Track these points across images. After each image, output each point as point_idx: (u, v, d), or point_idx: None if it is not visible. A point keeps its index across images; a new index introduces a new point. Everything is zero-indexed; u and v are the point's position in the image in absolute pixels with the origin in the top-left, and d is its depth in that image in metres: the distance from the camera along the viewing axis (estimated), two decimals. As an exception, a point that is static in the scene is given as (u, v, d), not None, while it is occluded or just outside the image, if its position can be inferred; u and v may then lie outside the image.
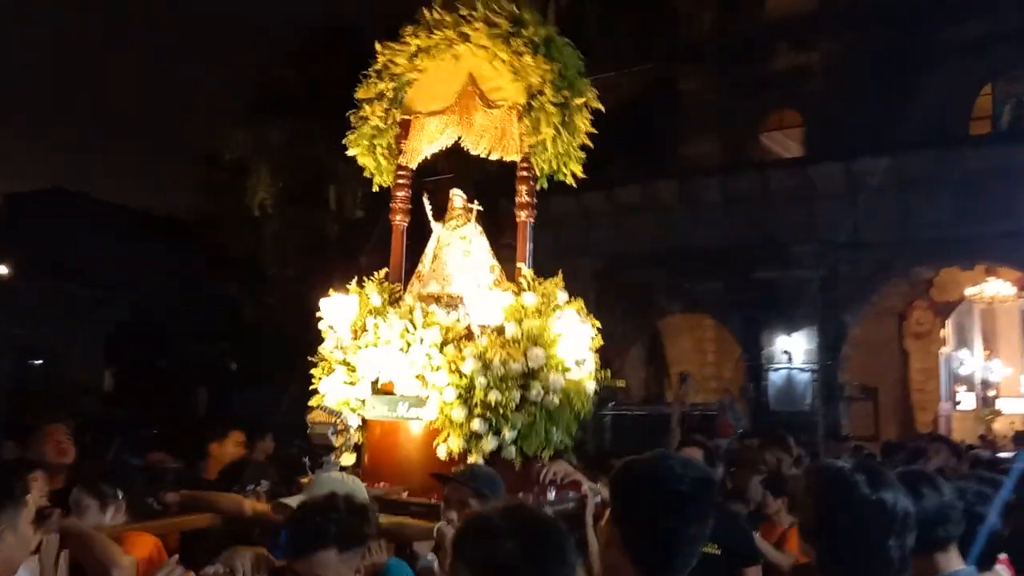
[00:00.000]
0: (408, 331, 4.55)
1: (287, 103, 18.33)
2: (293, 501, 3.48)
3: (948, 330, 19.93)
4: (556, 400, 4.29)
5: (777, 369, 15.43)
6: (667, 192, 16.65)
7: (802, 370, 15.27)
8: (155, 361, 23.27)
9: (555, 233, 17.42)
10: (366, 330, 4.75)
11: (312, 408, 4.64)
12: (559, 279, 4.63)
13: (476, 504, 3.21)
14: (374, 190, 5.40)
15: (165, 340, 22.97)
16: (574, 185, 4.94)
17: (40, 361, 22.09)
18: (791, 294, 15.25)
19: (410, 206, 5.24)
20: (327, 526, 2.72)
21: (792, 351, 15.35)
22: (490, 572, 1.71)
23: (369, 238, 14.10)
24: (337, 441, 4.42)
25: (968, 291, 18.58)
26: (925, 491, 2.46)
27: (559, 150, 4.71)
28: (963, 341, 21.08)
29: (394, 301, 4.88)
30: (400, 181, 5.20)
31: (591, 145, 4.83)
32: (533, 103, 4.64)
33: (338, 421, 4.46)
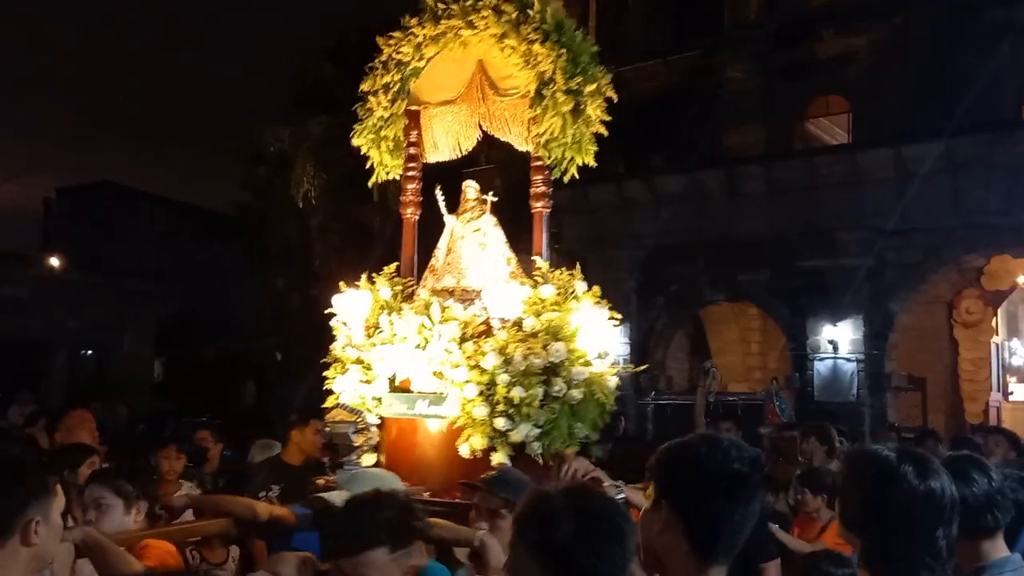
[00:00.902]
0: (425, 327, 4.44)
1: (326, 98, 18.48)
2: (336, 497, 3.39)
3: (999, 319, 19.49)
4: (579, 394, 4.18)
5: (823, 359, 15.22)
6: (711, 181, 16.49)
7: (848, 360, 15.05)
8: (203, 353, 23.67)
9: (595, 222, 17.40)
10: (379, 327, 4.64)
11: (329, 408, 4.56)
12: (577, 270, 4.53)
13: (508, 513, 3.05)
14: (378, 180, 5.27)
15: (213, 332, 23.35)
16: (576, 176, 4.77)
17: (91, 352, 22.57)
18: (837, 282, 15.03)
19: (421, 198, 5.12)
20: (378, 523, 2.56)
21: (838, 340, 15.13)
22: (549, 552, 1.72)
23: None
24: (358, 440, 4.35)
25: (1021, 279, 18.16)
26: (975, 476, 2.42)
27: (571, 139, 4.57)
28: (1014, 331, 20.60)
29: (407, 296, 4.77)
30: (410, 173, 5.07)
31: (605, 133, 4.70)
32: (544, 91, 4.51)
33: (359, 420, 4.40)
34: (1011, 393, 20.22)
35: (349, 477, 3.73)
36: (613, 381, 4.41)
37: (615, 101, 4.73)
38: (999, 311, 19.30)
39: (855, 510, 2.13)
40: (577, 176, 4.74)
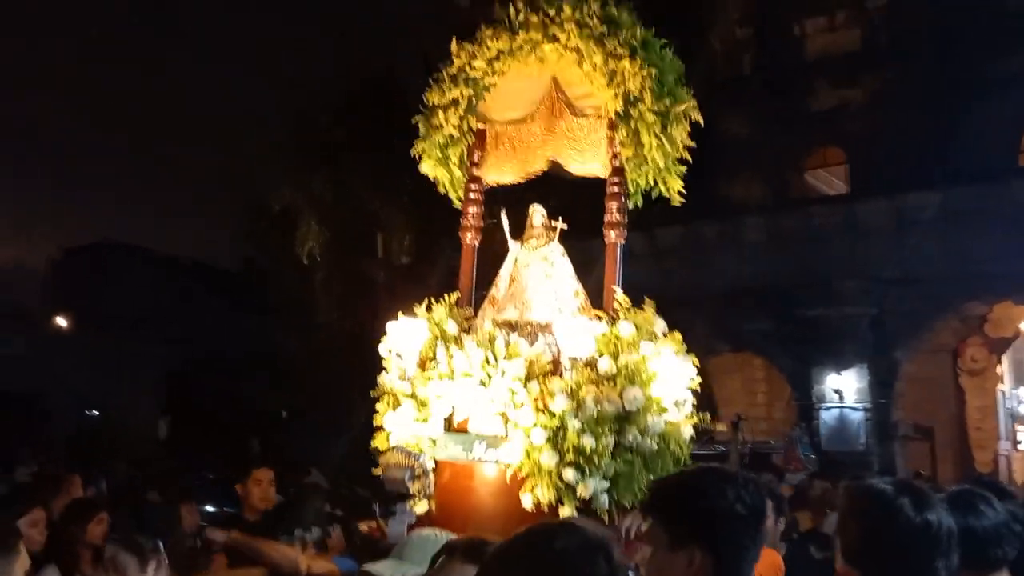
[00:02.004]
0: (489, 362, 4.02)
1: (331, 155, 18.71)
2: (380, 569, 2.96)
3: (1005, 367, 19.43)
4: (654, 445, 3.79)
5: (828, 408, 15.18)
6: (709, 232, 16.62)
7: (855, 409, 15.01)
8: (208, 409, 23.61)
9: (594, 275, 17.48)
10: (434, 359, 4.22)
11: (382, 450, 4.14)
12: (651, 307, 4.14)
13: None
14: (455, 205, 4.83)
15: (218, 388, 23.32)
16: (677, 203, 4.42)
17: (96, 410, 22.53)
18: (840, 332, 15.06)
19: (482, 223, 4.72)
20: None
21: (843, 390, 15.11)
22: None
23: (421, 281, 14.04)
24: (414, 487, 3.95)
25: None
26: (982, 508, 2.42)
27: (658, 162, 4.21)
28: (1021, 378, 20.52)
29: (465, 328, 4.36)
30: (472, 196, 4.68)
31: (690, 159, 4.36)
32: (631, 111, 4.14)
33: (416, 464, 3.98)
34: (1020, 442, 20.05)
35: (405, 543, 3.21)
36: (688, 431, 4.04)
37: (702, 125, 4.39)
38: (1004, 358, 19.25)
39: (854, 543, 2.14)
40: (680, 203, 4.44)
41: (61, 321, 22.69)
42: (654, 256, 16.88)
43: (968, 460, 17.95)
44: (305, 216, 19.02)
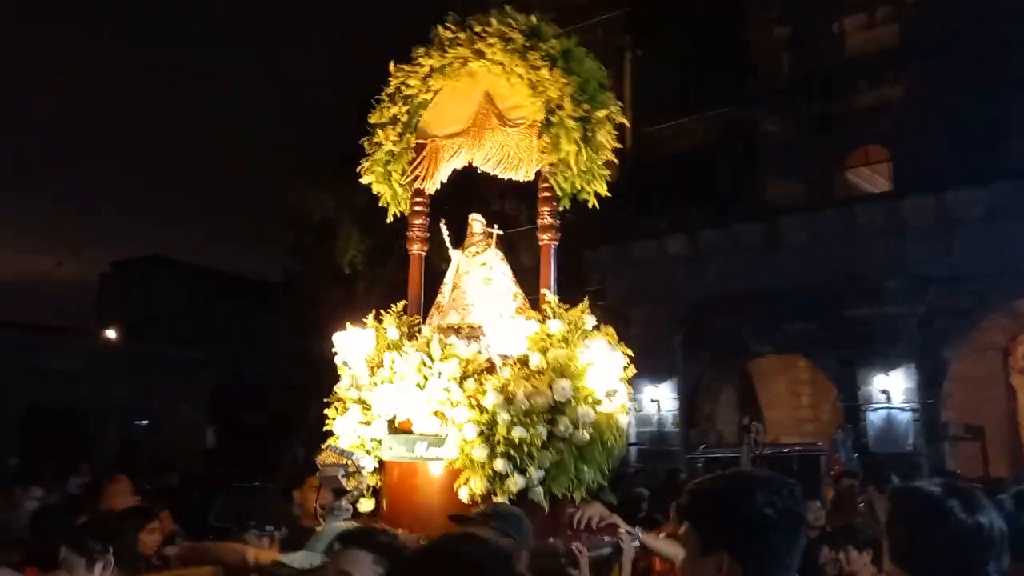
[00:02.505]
0: (425, 364, 4.24)
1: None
2: (295, 560, 3.19)
3: (1057, 364, 19.02)
4: (586, 435, 3.94)
5: (876, 409, 14.98)
6: (752, 234, 16.50)
7: (902, 409, 14.79)
8: (254, 419, 23.92)
9: (637, 278, 17.46)
10: (383, 366, 4.45)
11: (321, 450, 4.35)
12: (585, 304, 4.30)
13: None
14: (388, 220, 5.10)
15: (263, 398, 23.62)
16: (596, 206, 4.53)
17: (146, 421, 22.95)
18: (886, 332, 14.86)
19: (428, 234, 4.98)
20: None
21: (890, 390, 14.90)
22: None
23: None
24: (349, 484, 4.12)
25: (1075, 322, 17.78)
26: None
27: (582, 167, 4.36)
28: (1074, 375, 20.07)
29: (413, 334, 4.58)
30: (417, 208, 4.93)
31: (616, 160, 4.52)
32: (552, 119, 4.35)
33: (349, 463, 4.17)
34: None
35: (318, 536, 3.46)
36: (624, 421, 4.22)
37: (627, 126, 4.60)
38: (1056, 356, 18.86)
39: (904, 547, 2.13)
40: (597, 205, 4.52)
41: (110, 334, 23.15)
42: (695, 258, 16.83)
43: (1020, 459, 17.60)
44: (345, 225, 19.22)
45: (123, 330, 23.63)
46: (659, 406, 17.27)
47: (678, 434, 17.05)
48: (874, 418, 14.97)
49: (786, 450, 14.12)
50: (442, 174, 4.90)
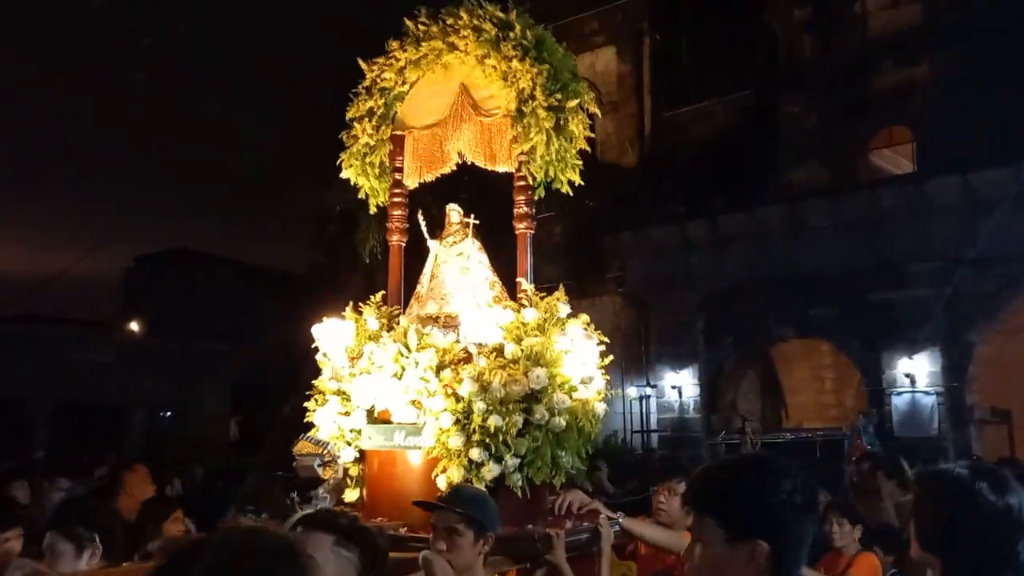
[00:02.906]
0: (402, 354, 4.29)
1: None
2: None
3: (1087, 347, 18.76)
4: (562, 422, 3.99)
5: (900, 393, 14.86)
6: (773, 218, 16.38)
7: (927, 393, 14.67)
8: (277, 410, 24.07)
9: (658, 264, 17.39)
10: (362, 357, 4.49)
11: (297, 440, 4.35)
12: (560, 292, 4.33)
13: (465, 530, 2.99)
14: (371, 211, 5.21)
15: (286, 389, 23.75)
16: (570, 193, 4.59)
17: (170, 413, 23.17)
18: (910, 315, 14.71)
19: (407, 225, 5.04)
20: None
21: (915, 374, 14.77)
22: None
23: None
24: (325, 473, 4.15)
25: (1106, 304, 17.50)
26: None
27: (553, 156, 4.41)
28: (1104, 357, 19.80)
29: (392, 325, 4.62)
30: (396, 200, 4.99)
31: (588, 149, 4.58)
32: (524, 108, 4.40)
33: (325, 452, 4.20)
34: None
35: (287, 523, 3.30)
36: (600, 408, 4.25)
37: (600, 116, 4.67)
38: (1085, 338, 18.59)
39: (932, 531, 2.11)
40: (570, 192, 4.59)
41: (134, 327, 23.38)
42: (717, 244, 16.74)
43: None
44: (365, 215, 19.26)
45: (147, 324, 23.85)
46: (681, 392, 17.22)
47: (700, 420, 16.99)
48: (898, 402, 14.86)
49: (807, 435, 14.02)
50: (426, 169, 4.94)
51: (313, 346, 4.74)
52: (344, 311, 4.74)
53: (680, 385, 17.20)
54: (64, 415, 19.96)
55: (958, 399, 14.81)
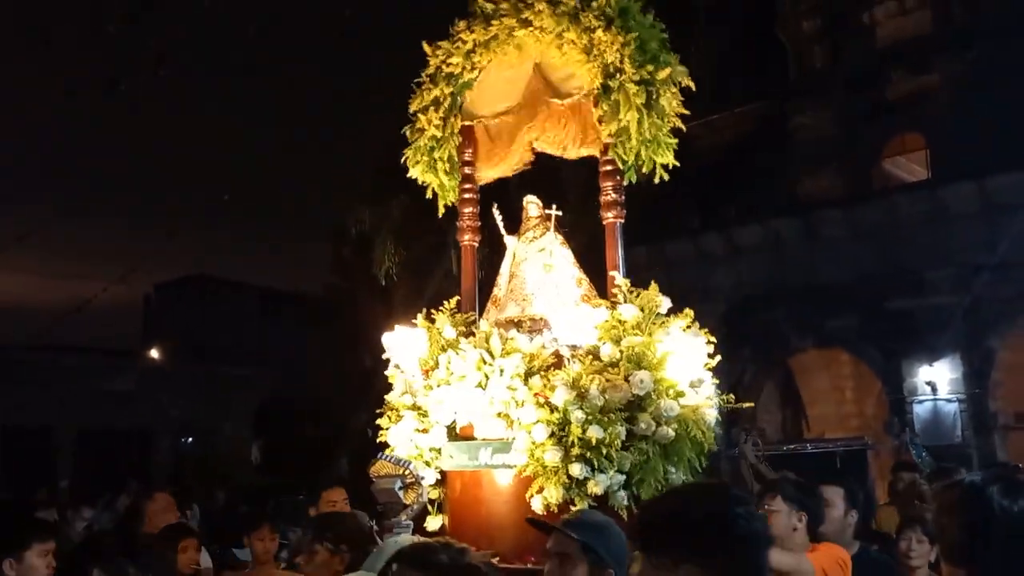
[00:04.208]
0: (485, 362, 3.85)
1: (406, 178, 19.03)
2: None
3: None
4: (671, 432, 3.54)
5: (922, 401, 14.75)
6: (788, 228, 16.36)
7: (949, 400, 14.55)
8: (299, 433, 24.17)
9: (673, 277, 17.36)
10: (438, 367, 4.05)
11: (375, 460, 3.97)
12: (654, 287, 3.96)
13: (579, 559, 2.53)
14: (439, 213, 4.69)
15: (308, 412, 23.86)
16: (666, 177, 4.13)
17: (193, 438, 23.30)
18: (930, 322, 14.62)
19: (479, 223, 4.58)
20: None
21: (936, 382, 14.66)
22: None
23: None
24: (407, 497, 3.74)
25: None
26: None
27: (646, 136, 3.95)
28: None
29: (470, 331, 4.19)
30: (466, 196, 4.56)
31: (683, 128, 4.15)
32: (610, 83, 3.91)
33: (407, 472, 3.79)
34: None
35: (379, 550, 2.97)
36: (711, 415, 3.81)
37: (693, 90, 4.18)
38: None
39: (954, 543, 2.09)
40: (666, 177, 4.15)
41: (156, 354, 23.58)
42: (732, 256, 16.71)
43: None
44: (381, 237, 19.37)
45: (169, 350, 24.04)
46: (700, 405, 17.15)
47: (719, 433, 16.91)
48: (920, 410, 14.74)
49: (828, 446, 13.88)
50: (501, 163, 4.51)
51: (387, 358, 4.24)
52: (415, 319, 4.30)
53: (699, 398, 17.14)
54: (88, 443, 20.12)
55: (981, 406, 14.68)
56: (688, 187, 18.58)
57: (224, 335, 25.60)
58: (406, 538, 3.07)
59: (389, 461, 3.90)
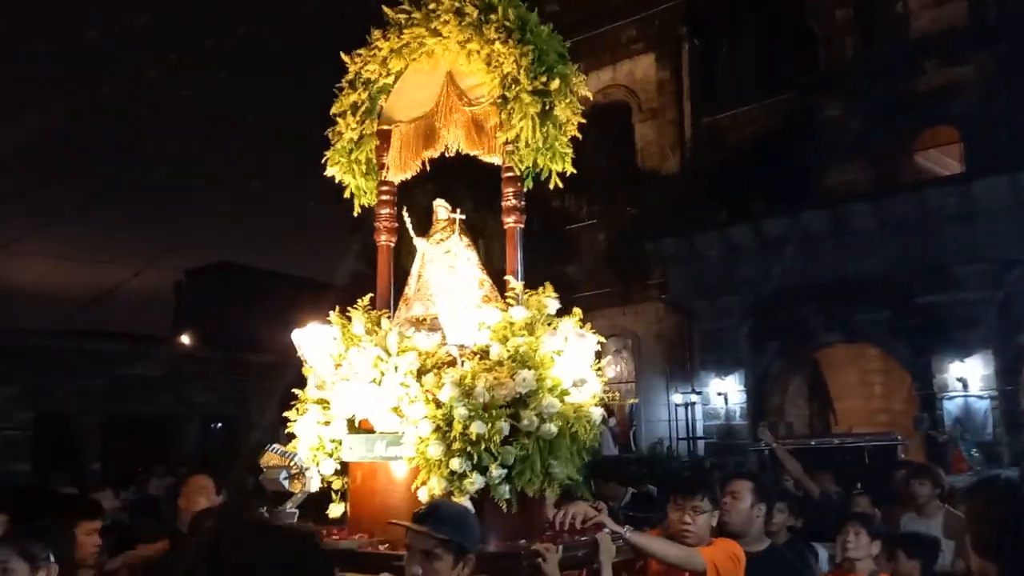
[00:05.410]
0: (381, 359, 4.00)
1: (431, 167, 19.08)
2: None
3: None
4: (553, 428, 3.66)
5: (952, 398, 14.60)
6: (817, 222, 16.22)
7: (980, 397, 14.39)
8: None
9: (701, 271, 17.29)
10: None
11: (263, 451, 4.14)
12: (548, 288, 4.04)
13: (444, 553, 2.68)
14: (355, 213, 4.90)
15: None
16: (560, 185, 4.24)
17: (220, 424, 23.53)
18: (961, 318, 14.48)
19: (395, 224, 4.81)
20: None
21: (967, 378, 14.51)
22: None
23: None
24: (293, 487, 3.91)
25: None
26: None
27: (540, 145, 4.08)
28: None
29: (375, 330, 4.33)
30: (384, 197, 4.77)
31: (579, 136, 4.24)
32: (507, 94, 4.09)
33: (292, 464, 3.97)
34: None
35: None
36: (596, 413, 3.94)
37: (591, 99, 4.36)
38: None
39: (984, 538, 2.12)
40: (561, 185, 4.26)
41: (184, 340, 23.82)
42: (760, 249, 16.61)
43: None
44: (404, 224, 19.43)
45: (197, 336, 24.28)
46: (726, 399, 17.10)
47: (746, 427, 16.85)
48: (951, 407, 14.60)
49: (856, 441, 13.75)
50: (414, 162, 4.73)
51: (298, 354, 4.49)
52: (329, 315, 4.49)
53: (726, 392, 17.08)
54: (115, 429, 20.36)
55: (1013, 402, 14.54)
56: (716, 180, 18.50)
57: (252, 322, 25.81)
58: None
59: (276, 453, 4.06)
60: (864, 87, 18.36)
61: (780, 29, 19.81)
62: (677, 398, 17.89)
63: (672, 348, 18.95)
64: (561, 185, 4.28)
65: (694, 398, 17.63)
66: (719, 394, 17.15)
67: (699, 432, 17.70)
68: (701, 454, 16.95)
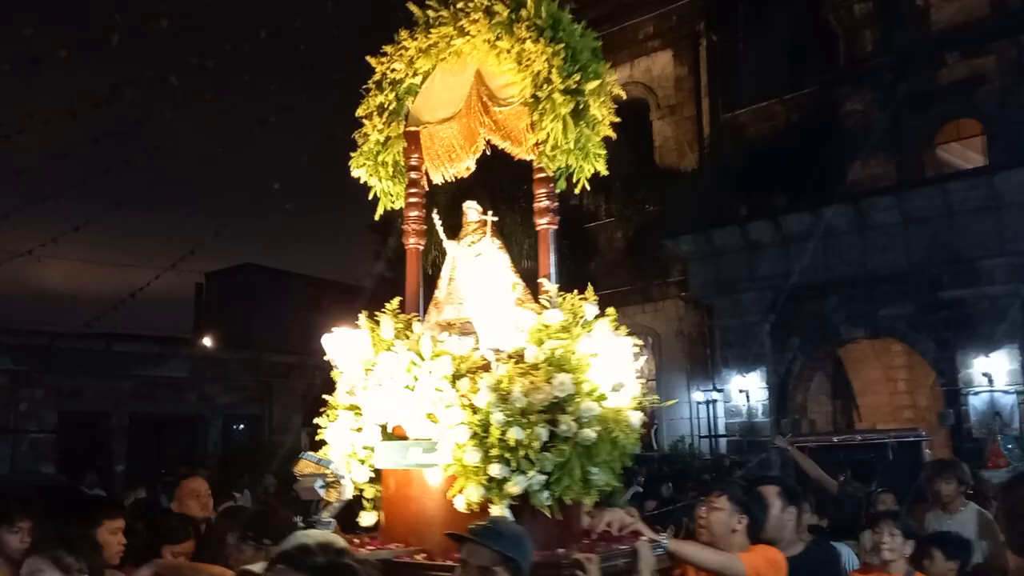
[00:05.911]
0: (415, 364, 3.92)
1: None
2: (259, 568, 2.84)
3: None
4: (592, 434, 3.57)
5: (977, 393, 14.46)
6: (838, 217, 16.10)
7: (1006, 392, 14.25)
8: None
9: (721, 267, 17.23)
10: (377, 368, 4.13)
11: (297, 459, 4.07)
12: (589, 292, 3.97)
13: (501, 572, 2.68)
14: (376, 217, 4.85)
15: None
16: (587, 187, 4.18)
17: (243, 425, 23.68)
18: (986, 312, 14.34)
19: (425, 227, 4.73)
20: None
21: (993, 373, 14.36)
22: None
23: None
24: (329, 495, 3.87)
25: None
26: None
27: (572, 145, 4.00)
28: None
29: (409, 333, 4.25)
30: (412, 200, 4.66)
31: (614, 136, 4.17)
32: (539, 93, 3.99)
33: (328, 472, 3.92)
34: None
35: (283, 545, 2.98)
36: (636, 417, 3.85)
37: (623, 99, 4.26)
38: None
39: (1019, 535, 2.09)
40: (588, 187, 4.21)
41: (207, 341, 23.99)
42: (781, 244, 16.53)
43: None
44: (430, 226, 19.48)
45: (220, 338, 24.44)
46: (748, 396, 17.02)
47: (769, 424, 16.78)
48: (976, 402, 14.46)
49: (881, 437, 13.63)
50: (447, 166, 4.65)
51: (325, 358, 4.43)
52: (357, 319, 4.42)
53: (747, 389, 17.01)
54: (141, 429, 20.55)
55: (1039, 398, 14.36)
56: (736, 175, 18.41)
57: (274, 323, 25.94)
58: (315, 534, 3.11)
59: (312, 460, 4.00)
60: (885, 80, 18.22)
61: (799, 24, 19.69)
62: (698, 395, 17.83)
63: (693, 345, 18.90)
64: (588, 187, 4.23)
65: (715, 395, 17.56)
66: (741, 391, 17.08)
67: (721, 430, 17.64)
68: (723, 452, 16.90)
